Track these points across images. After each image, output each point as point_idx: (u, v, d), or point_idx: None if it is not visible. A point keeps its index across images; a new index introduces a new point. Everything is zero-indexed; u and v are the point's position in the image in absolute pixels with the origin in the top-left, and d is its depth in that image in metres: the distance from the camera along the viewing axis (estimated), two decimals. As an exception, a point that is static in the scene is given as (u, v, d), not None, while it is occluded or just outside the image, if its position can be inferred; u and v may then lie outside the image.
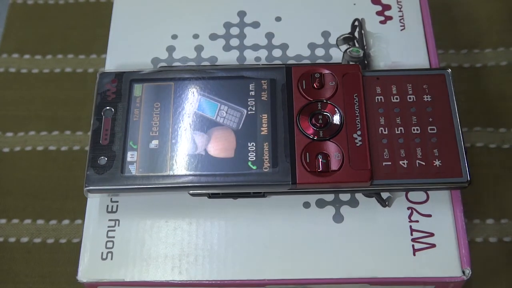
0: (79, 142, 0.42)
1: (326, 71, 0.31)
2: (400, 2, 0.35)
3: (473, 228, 0.38)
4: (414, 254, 0.29)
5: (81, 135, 0.42)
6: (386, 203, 0.30)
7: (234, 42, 0.35)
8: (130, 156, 0.30)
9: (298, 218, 0.30)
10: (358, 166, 0.29)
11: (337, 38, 0.34)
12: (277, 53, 0.34)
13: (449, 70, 0.31)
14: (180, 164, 0.29)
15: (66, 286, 0.38)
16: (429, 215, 0.30)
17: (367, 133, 0.29)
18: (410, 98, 0.30)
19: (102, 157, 0.30)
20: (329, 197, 0.30)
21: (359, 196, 0.30)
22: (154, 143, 0.30)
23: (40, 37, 0.46)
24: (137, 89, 0.31)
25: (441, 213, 0.30)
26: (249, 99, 0.31)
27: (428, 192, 0.30)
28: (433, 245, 0.29)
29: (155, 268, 0.29)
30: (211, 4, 0.36)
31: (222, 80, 0.31)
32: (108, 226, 0.30)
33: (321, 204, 0.30)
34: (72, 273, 0.30)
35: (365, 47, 0.34)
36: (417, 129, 0.30)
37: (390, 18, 0.35)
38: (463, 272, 0.28)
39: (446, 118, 0.30)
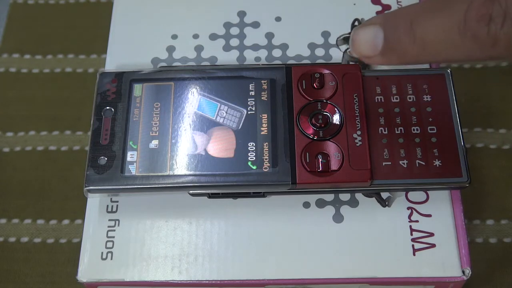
0: (79, 142, 0.42)
1: (326, 71, 0.31)
2: (400, 2, 0.35)
3: (473, 229, 0.38)
4: (414, 254, 0.29)
5: (81, 135, 0.42)
6: (386, 203, 0.30)
7: (234, 42, 0.35)
8: (130, 156, 0.30)
9: (298, 218, 0.30)
10: (358, 166, 0.29)
11: (337, 38, 0.34)
12: (277, 53, 0.34)
13: (449, 70, 0.31)
14: (180, 164, 0.29)
15: (66, 286, 0.38)
16: (429, 215, 0.30)
17: (367, 133, 0.29)
18: (410, 98, 0.30)
19: (102, 157, 0.30)
20: (329, 197, 0.30)
21: (359, 196, 0.30)
22: (154, 143, 0.30)
23: (41, 37, 0.46)
24: (137, 89, 0.31)
25: (441, 213, 0.30)
26: (249, 99, 0.31)
27: (428, 192, 0.30)
28: (433, 245, 0.29)
29: (155, 268, 0.29)
30: (211, 4, 0.36)
31: (222, 80, 0.31)
32: (108, 226, 0.30)
33: (321, 204, 0.30)
34: (72, 273, 0.30)
35: (365, 47, 0.34)
36: (417, 129, 0.30)
37: (390, 18, 0.35)
38: (463, 272, 0.28)
39: (446, 118, 0.30)
